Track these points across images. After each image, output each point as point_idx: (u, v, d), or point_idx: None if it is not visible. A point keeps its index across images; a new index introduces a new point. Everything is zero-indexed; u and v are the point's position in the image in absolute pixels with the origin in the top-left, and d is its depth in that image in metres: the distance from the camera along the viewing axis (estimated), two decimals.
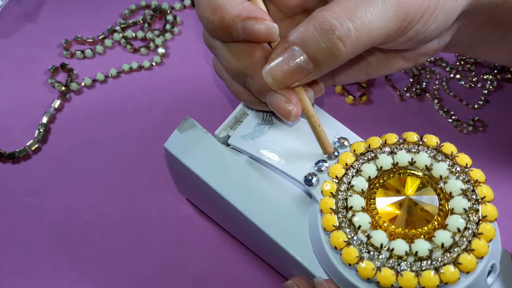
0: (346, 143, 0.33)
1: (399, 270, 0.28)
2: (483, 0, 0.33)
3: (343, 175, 0.31)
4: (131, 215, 0.43)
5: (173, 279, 0.41)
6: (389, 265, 0.28)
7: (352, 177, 0.31)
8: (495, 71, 0.49)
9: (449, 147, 0.31)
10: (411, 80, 0.49)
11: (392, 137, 0.32)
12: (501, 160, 0.45)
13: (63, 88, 0.48)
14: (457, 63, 0.50)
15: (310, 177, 0.32)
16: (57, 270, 0.41)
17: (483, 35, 0.37)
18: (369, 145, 0.32)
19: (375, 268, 0.28)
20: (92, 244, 0.42)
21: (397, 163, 0.31)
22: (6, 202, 0.44)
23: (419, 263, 0.28)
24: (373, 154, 0.32)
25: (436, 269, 0.27)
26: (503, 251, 0.31)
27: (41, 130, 0.46)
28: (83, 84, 0.49)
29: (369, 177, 0.31)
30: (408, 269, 0.28)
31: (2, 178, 0.45)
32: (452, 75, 0.50)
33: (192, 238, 0.42)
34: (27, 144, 0.46)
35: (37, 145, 0.46)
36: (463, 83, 0.49)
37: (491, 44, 0.38)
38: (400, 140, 0.32)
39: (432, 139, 0.32)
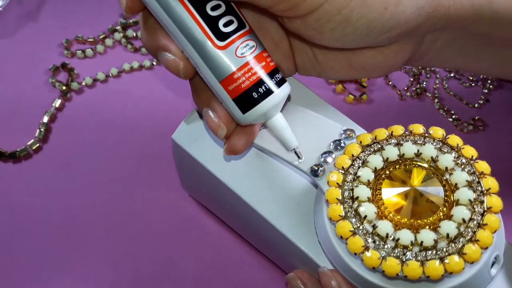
0: (352, 134, 0.33)
1: (404, 260, 0.28)
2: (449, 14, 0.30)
3: (349, 166, 0.31)
4: (132, 214, 0.43)
5: (174, 278, 0.40)
6: (395, 255, 0.28)
7: (358, 168, 0.31)
8: None
9: (454, 139, 0.31)
10: (411, 79, 0.50)
11: (399, 129, 0.32)
12: (501, 160, 0.45)
13: (64, 87, 0.48)
14: None
15: (316, 168, 0.32)
16: (57, 270, 0.41)
17: (455, 50, 0.33)
18: (376, 136, 0.32)
19: (381, 258, 0.28)
20: (92, 244, 0.42)
21: (403, 154, 0.31)
22: (7, 202, 0.43)
23: (424, 253, 0.28)
24: (379, 146, 0.32)
25: (441, 259, 0.28)
26: (507, 244, 0.31)
27: (42, 129, 0.46)
28: (84, 83, 0.49)
29: (375, 168, 0.31)
30: (413, 259, 0.28)
31: (2, 177, 0.45)
32: (452, 74, 0.50)
33: (194, 236, 0.42)
34: (28, 143, 0.45)
35: (38, 145, 0.46)
36: (463, 82, 0.50)
37: (466, 59, 0.35)
38: (406, 132, 0.32)
39: (438, 131, 0.32)
